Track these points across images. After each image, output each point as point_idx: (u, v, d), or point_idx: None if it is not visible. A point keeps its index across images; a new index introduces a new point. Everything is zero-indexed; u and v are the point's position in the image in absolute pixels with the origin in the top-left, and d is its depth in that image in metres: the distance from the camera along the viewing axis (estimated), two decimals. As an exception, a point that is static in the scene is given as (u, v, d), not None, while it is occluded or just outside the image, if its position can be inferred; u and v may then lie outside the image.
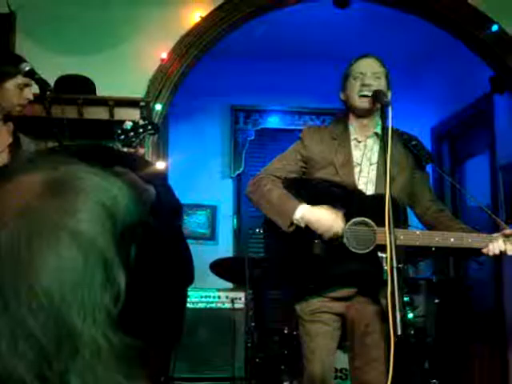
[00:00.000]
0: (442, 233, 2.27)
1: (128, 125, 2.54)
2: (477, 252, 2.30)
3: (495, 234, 2.27)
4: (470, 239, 2.25)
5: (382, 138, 2.37)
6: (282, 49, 5.43)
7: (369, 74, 2.43)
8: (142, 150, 2.73)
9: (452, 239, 2.25)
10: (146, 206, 0.70)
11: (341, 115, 2.62)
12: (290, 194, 2.38)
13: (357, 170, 2.43)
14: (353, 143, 2.48)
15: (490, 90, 4.31)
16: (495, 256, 2.27)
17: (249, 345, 3.62)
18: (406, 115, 5.45)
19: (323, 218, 2.26)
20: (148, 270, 0.65)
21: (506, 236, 2.24)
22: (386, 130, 2.25)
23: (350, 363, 2.49)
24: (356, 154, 2.46)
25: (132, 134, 2.61)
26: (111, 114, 3.35)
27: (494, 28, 3.87)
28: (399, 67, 5.51)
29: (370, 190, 2.40)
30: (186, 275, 0.80)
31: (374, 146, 2.49)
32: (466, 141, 5.41)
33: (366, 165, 2.45)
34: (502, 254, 2.25)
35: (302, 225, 2.30)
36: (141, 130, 2.63)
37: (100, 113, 3.36)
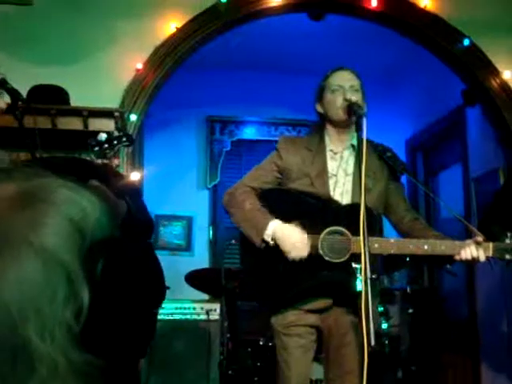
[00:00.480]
0: (415, 240, 2.30)
1: (102, 136, 2.53)
2: (450, 259, 2.33)
3: (468, 241, 2.29)
4: (444, 246, 2.28)
5: (358, 150, 2.39)
6: (258, 60, 5.46)
7: (347, 86, 2.45)
8: (116, 161, 2.72)
9: (425, 246, 2.27)
10: (117, 221, 0.69)
11: (316, 127, 2.64)
12: (263, 208, 2.37)
13: (332, 181, 2.45)
14: (328, 154, 2.50)
15: (463, 103, 4.38)
16: (468, 263, 2.30)
17: (221, 357, 3.60)
18: (382, 127, 5.49)
19: (289, 239, 2.26)
20: (114, 286, 0.64)
21: (478, 243, 2.27)
22: (361, 141, 2.27)
23: (325, 374, 2.49)
24: (332, 165, 2.48)
25: (106, 145, 2.59)
26: (85, 125, 3.32)
27: (466, 42, 3.94)
28: (374, 80, 5.58)
29: (345, 200, 2.42)
30: (154, 293, 0.79)
31: (349, 158, 2.51)
32: (440, 153, 5.49)
33: (341, 176, 2.47)
34: (475, 260, 2.26)
35: (271, 242, 2.30)
36: (115, 142, 2.62)
37: (74, 123, 3.33)
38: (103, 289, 0.61)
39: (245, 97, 5.75)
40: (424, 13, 3.97)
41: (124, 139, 2.64)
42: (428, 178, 5.65)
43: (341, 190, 2.44)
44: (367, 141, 2.49)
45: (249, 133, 5.99)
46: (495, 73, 3.98)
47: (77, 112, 3.34)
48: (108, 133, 2.59)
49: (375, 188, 2.42)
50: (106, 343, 0.62)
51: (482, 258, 2.26)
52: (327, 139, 2.53)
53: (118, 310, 0.64)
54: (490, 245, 2.27)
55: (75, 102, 3.48)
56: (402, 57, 5.21)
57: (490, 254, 2.27)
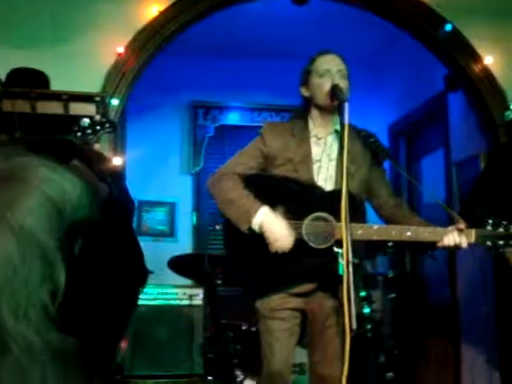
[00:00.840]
0: (399, 227, 2.31)
1: (85, 122, 2.52)
2: (433, 245, 2.34)
3: (450, 227, 2.31)
4: (426, 233, 2.29)
5: (341, 135, 2.39)
6: (241, 45, 5.42)
7: (335, 71, 2.44)
8: (97, 146, 2.69)
9: (408, 233, 2.29)
10: (98, 203, 0.68)
11: (299, 111, 2.62)
12: (250, 195, 2.37)
13: (316, 166, 2.45)
14: (312, 140, 2.49)
15: (445, 89, 4.39)
16: (450, 249, 2.32)
17: (202, 341, 3.62)
18: (364, 112, 5.52)
19: (275, 229, 2.26)
20: (93, 268, 0.63)
21: (460, 230, 2.28)
22: (344, 126, 2.26)
23: (309, 358, 2.51)
24: (316, 151, 2.48)
25: (89, 131, 2.58)
26: (66, 109, 3.29)
27: (448, 27, 3.95)
28: (357, 65, 5.56)
29: (329, 186, 2.42)
30: (134, 277, 0.78)
31: (333, 143, 2.50)
32: (422, 138, 5.52)
33: (325, 161, 2.46)
34: (458, 247, 2.28)
35: (258, 231, 2.30)
36: (98, 128, 2.60)
37: (54, 107, 3.29)
38: (81, 270, 0.60)
39: (228, 82, 5.72)
40: (407, -2, 3.96)
41: (107, 125, 2.62)
42: (411, 163, 5.68)
43: (324, 176, 2.44)
44: (350, 126, 2.50)
45: (232, 118, 5.97)
46: (477, 58, 3.99)
47: (57, 96, 3.31)
48: (91, 118, 2.57)
49: (358, 173, 2.42)
50: (84, 324, 0.61)
51: (465, 244, 2.29)
52: (311, 124, 2.52)
53: (96, 292, 0.64)
54: (473, 231, 2.30)
55: (55, 86, 3.44)
56: (384, 42, 5.21)
57: (473, 240, 2.30)
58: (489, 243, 2.28)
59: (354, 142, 2.45)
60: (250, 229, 2.31)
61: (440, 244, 2.29)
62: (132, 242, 0.82)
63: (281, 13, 4.63)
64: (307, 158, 2.45)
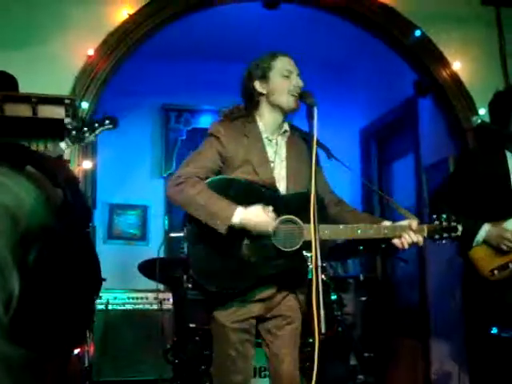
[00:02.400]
0: (363, 225, 2.34)
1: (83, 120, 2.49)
2: (388, 242, 2.41)
3: (403, 222, 2.36)
4: (386, 230, 2.35)
5: (291, 135, 2.42)
6: (214, 48, 5.42)
7: (295, 73, 2.44)
8: (62, 144, 2.62)
9: (371, 231, 2.34)
10: (53, 209, 0.67)
11: (240, 111, 2.51)
12: (221, 197, 2.32)
13: (271, 167, 2.43)
14: (265, 141, 2.46)
15: (414, 94, 4.45)
16: (410, 247, 2.38)
17: (168, 346, 3.59)
18: (336, 117, 5.58)
19: (260, 217, 2.25)
20: (47, 275, 0.62)
21: (413, 229, 2.34)
22: (311, 131, 2.25)
23: (268, 358, 2.46)
24: (269, 152, 2.45)
25: (86, 129, 2.51)
26: (34, 112, 3.25)
27: (417, 33, 4.00)
28: (328, 70, 5.63)
29: (282, 186, 2.40)
30: (89, 283, 0.77)
31: (281, 143, 2.48)
32: (393, 142, 5.58)
33: (277, 162, 2.44)
34: (414, 244, 2.36)
35: (238, 228, 2.26)
36: (96, 125, 2.53)
37: (22, 110, 3.25)
38: (36, 278, 0.59)
39: (201, 85, 5.71)
40: (377, 3, 4.01)
41: (107, 122, 2.53)
42: (382, 167, 5.74)
43: (278, 177, 2.42)
44: (292, 126, 2.52)
45: (204, 122, 5.95)
46: (446, 64, 4.06)
47: (25, 99, 3.27)
48: (91, 116, 2.53)
49: (306, 173, 2.38)
50: (37, 333, 0.60)
51: (421, 242, 2.37)
52: (261, 125, 2.47)
53: (51, 300, 0.62)
54: (425, 227, 2.40)
55: (24, 88, 3.39)
56: (355, 47, 5.25)
57: (425, 235, 2.40)
58: (436, 236, 2.43)
59: (299, 141, 2.47)
60: (228, 228, 2.26)
61: (398, 244, 2.35)
62: (87, 247, 0.81)
63: (253, 16, 4.63)
64: (265, 160, 2.41)
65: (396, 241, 2.36)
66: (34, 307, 0.58)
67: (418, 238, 2.35)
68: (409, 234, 2.34)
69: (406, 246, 2.35)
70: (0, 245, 0.56)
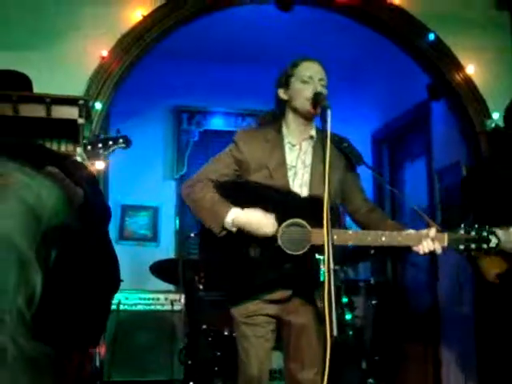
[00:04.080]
0: (374, 232, 2.31)
1: (99, 136, 2.57)
2: (408, 249, 2.35)
3: (423, 231, 2.31)
4: (400, 237, 2.30)
5: (321, 141, 2.39)
6: (226, 51, 5.43)
7: (317, 78, 2.44)
8: (78, 150, 2.68)
9: (383, 238, 2.29)
10: (74, 208, 0.67)
11: (271, 116, 2.59)
12: (222, 199, 2.36)
13: (291, 172, 2.44)
14: (287, 146, 2.49)
15: (428, 97, 4.43)
16: (428, 255, 2.33)
17: (181, 347, 3.60)
18: (348, 120, 5.55)
19: (253, 219, 2.27)
20: (68, 274, 0.63)
21: (432, 238, 2.29)
22: (324, 133, 2.26)
23: (285, 363, 2.51)
24: (290, 157, 2.47)
25: (100, 145, 2.61)
26: (48, 112, 3.27)
27: (431, 37, 3.99)
28: (341, 73, 5.60)
29: (304, 192, 2.42)
30: (108, 283, 0.78)
31: (308, 149, 2.50)
32: (405, 145, 5.56)
33: (300, 167, 2.46)
34: (431, 253, 2.30)
35: (234, 229, 2.30)
36: (111, 143, 2.62)
37: (36, 110, 3.26)
38: (56, 276, 0.60)
39: (213, 87, 5.73)
40: (390, 7, 4.00)
41: (121, 141, 2.63)
42: (394, 170, 5.72)
43: (300, 182, 2.43)
44: (325, 131, 2.50)
45: (216, 123, 5.97)
46: (459, 67, 4.04)
47: (39, 99, 3.28)
48: (105, 135, 2.62)
49: (333, 179, 2.42)
50: (57, 331, 0.61)
51: (439, 250, 2.30)
52: (285, 130, 2.51)
53: (70, 298, 0.63)
54: (445, 235, 2.30)
55: (38, 89, 3.41)
56: (368, 50, 5.24)
57: (445, 244, 2.30)
58: (461, 247, 2.29)
59: (329, 147, 2.47)
60: (224, 230, 2.30)
61: (415, 249, 2.30)
62: (106, 247, 0.82)
63: (267, 19, 4.64)
64: (282, 164, 2.44)
65: (414, 248, 2.31)
66: (54, 305, 0.58)
67: (435, 246, 2.28)
68: (427, 241, 2.28)
69: (422, 253, 2.30)
70: (24, 243, 0.57)
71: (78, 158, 2.70)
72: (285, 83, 2.50)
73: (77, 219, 0.66)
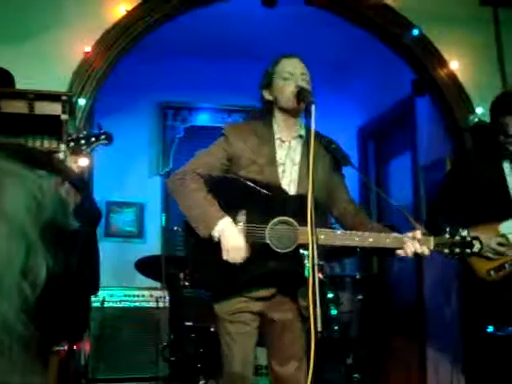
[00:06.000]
0: (361, 233, 2.31)
1: (81, 133, 2.59)
2: (392, 253, 2.35)
3: (410, 234, 2.31)
4: (388, 240, 2.30)
5: (306, 139, 2.39)
6: (211, 46, 5.41)
7: (298, 73, 2.44)
8: (62, 147, 2.67)
9: (370, 239, 2.29)
10: (67, 208, 0.69)
11: (261, 113, 2.60)
12: (214, 201, 2.34)
13: (280, 169, 2.44)
14: (277, 143, 2.48)
15: (412, 93, 4.45)
16: (415, 257, 2.33)
17: (164, 344, 3.59)
18: (334, 115, 5.57)
19: (230, 244, 2.25)
20: (64, 269, 0.64)
21: (418, 240, 2.29)
22: (309, 129, 2.26)
23: (268, 359, 2.50)
24: (280, 154, 2.47)
25: (83, 141, 2.62)
26: (31, 108, 3.24)
27: (415, 32, 4.00)
28: (327, 68, 5.62)
29: (292, 189, 2.42)
30: (92, 280, 0.79)
31: (297, 147, 2.50)
32: (391, 141, 5.58)
33: (289, 165, 2.46)
34: (418, 255, 2.29)
35: (216, 240, 2.29)
36: (93, 139, 2.63)
37: (19, 106, 3.24)
38: (55, 269, 0.61)
39: (198, 83, 5.70)
40: (375, 2, 4.01)
41: (103, 137, 2.64)
42: (379, 165, 5.74)
43: (288, 180, 2.43)
44: (315, 131, 2.50)
45: (202, 119, 5.96)
46: (443, 63, 4.06)
47: (22, 95, 3.25)
48: (88, 131, 2.62)
49: (321, 178, 2.42)
50: (47, 321, 0.62)
51: (427, 252, 2.30)
52: (275, 127, 2.50)
53: (60, 292, 0.64)
54: (431, 239, 2.32)
55: (21, 85, 3.38)
56: (354, 46, 5.25)
57: (431, 247, 2.32)
58: (446, 251, 2.32)
59: (318, 147, 2.46)
60: (209, 236, 2.29)
61: (401, 252, 2.30)
62: (94, 247, 0.84)
63: (252, 14, 4.63)
64: (272, 161, 2.43)
65: (399, 251, 2.31)
66: (48, 296, 0.60)
67: (422, 249, 2.28)
68: (413, 243, 2.28)
69: (410, 255, 2.29)
70: (30, 228, 0.59)
71: (61, 155, 2.69)
72: (267, 83, 2.50)
73: (70, 218, 0.68)
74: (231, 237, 2.26)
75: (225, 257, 2.25)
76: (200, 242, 2.35)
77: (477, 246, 2.32)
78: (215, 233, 2.27)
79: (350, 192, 2.62)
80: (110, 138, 2.67)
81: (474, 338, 3.20)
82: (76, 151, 2.64)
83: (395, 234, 2.34)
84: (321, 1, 4.00)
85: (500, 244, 2.91)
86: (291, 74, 2.43)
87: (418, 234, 2.30)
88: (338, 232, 2.34)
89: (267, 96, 2.50)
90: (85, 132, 2.60)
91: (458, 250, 2.32)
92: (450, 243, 2.32)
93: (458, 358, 4.05)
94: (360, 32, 4.25)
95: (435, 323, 4.55)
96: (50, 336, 0.62)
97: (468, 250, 2.32)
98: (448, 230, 2.32)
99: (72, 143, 2.64)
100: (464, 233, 2.32)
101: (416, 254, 2.30)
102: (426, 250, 2.30)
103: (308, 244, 2.03)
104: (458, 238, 2.32)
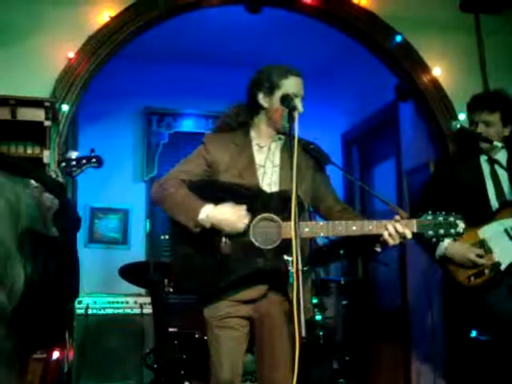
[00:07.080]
0: (344, 222, 2.30)
1: (73, 154, 2.66)
2: (379, 239, 2.32)
3: (393, 220, 2.31)
4: (371, 226, 2.29)
5: (289, 142, 2.39)
6: (196, 53, 5.42)
7: (300, 97, 2.44)
8: (46, 153, 2.69)
9: (354, 227, 2.28)
10: (45, 215, 0.69)
11: (241, 112, 2.54)
12: (195, 195, 2.37)
13: (260, 171, 2.46)
14: (255, 148, 2.50)
15: (395, 98, 4.48)
16: (396, 242, 2.28)
17: (147, 350, 3.58)
18: (318, 121, 5.59)
19: (227, 214, 2.28)
20: (37, 275, 0.64)
21: (399, 220, 2.28)
22: (292, 134, 2.26)
23: (257, 363, 2.50)
24: (259, 157, 2.49)
25: (74, 163, 2.69)
26: (13, 114, 3.22)
27: (398, 39, 4.04)
28: (310, 74, 5.63)
29: (273, 191, 2.43)
30: (71, 288, 0.79)
31: (276, 149, 2.52)
32: (374, 146, 5.61)
33: (269, 167, 2.48)
34: (402, 236, 2.27)
35: (207, 225, 2.29)
36: (84, 161, 2.70)
37: (1, 113, 3.22)
38: (34, 276, 0.61)
39: (183, 89, 5.70)
40: (358, 9, 4.04)
41: (93, 160, 2.73)
42: (363, 171, 5.77)
43: (269, 181, 2.45)
44: (292, 132, 2.50)
45: (187, 125, 5.95)
46: (426, 69, 4.10)
47: (4, 101, 3.24)
48: (78, 155, 2.77)
49: (302, 178, 2.43)
50: (25, 329, 0.62)
51: (409, 234, 2.28)
52: (253, 133, 2.52)
53: (37, 299, 0.64)
54: (414, 221, 2.29)
55: (3, 90, 3.36)
56: (337, 52, 5.29)
57: (415, 230, 2.29)
58: (430, 232, 2.26)
59: (298, 148, 2.47)
60: (199, 226, 2.29)
61: (386, 235, 2.28)
62: (73, 253, 0.84)
63: (236, 21, 4.64)
64: (251, 164, 2.46)
65: (383, 237, 2.28)
66: (26, 304, 0.60)
67: (404, 230, 2.25)
68: (395, 225, 2.26)
69: (393, 240, 2.26)
70: (7, 236, 0.59)
71: (53, 174, 2.73)
72: (268, 91, 2.45)
73: (48, 226, 0.68)
74: (221, 210, 2.29)
75: (232, 231, 2.26)
76: (186, 245, 2.35)
77: (461, 226, 2.26)
78: (202, 219, 2.28)
79: (335, 191, 2.63)
80: (100, 162, 2.77)
81: (457, 342, 3.23)
82: (66, 172, 2.72)
83: (378, 221, 2.32)
84: (305, 8, 4.02)
85: (479, 256, 2.93)
86: (295, 96, 2.42)
87: (401, 215, 2.28)
88: (321, 223, 2.34)
89: (262, 101, 2.47)
90: (76, 153, 2.70)
91: (442, 232, 2.27)
92: (433, 224, 2.27)
93: (442, 362, 4.07)
94: (343, 39, 4.28)
95: (419, 328, 4.57)
96: (28, 344, 0.62)
97: (453, 231, 2.26)
98: (430, 212, 2.27)
99: (63, 163, 2.72)
100: (447, 213, 2.27)
101: (399, 238, 2.26)
102: (408, 232, 2.27)
103: (291, 239, 2.03)
104: (440, 218, 2.27)
